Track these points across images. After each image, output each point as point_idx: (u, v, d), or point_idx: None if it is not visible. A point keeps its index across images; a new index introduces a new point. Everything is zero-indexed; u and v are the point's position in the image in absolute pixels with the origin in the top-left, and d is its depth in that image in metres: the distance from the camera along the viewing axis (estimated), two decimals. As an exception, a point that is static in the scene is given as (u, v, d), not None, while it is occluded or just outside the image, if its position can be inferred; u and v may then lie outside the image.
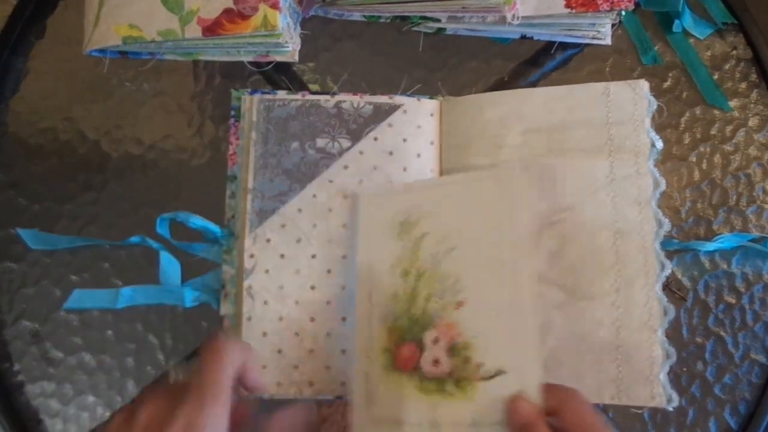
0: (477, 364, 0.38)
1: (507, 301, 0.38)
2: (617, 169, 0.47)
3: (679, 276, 0.49)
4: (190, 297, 0.48)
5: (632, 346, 0.44)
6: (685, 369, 0.48)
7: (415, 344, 0.40)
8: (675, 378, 0.48)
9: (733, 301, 0.49)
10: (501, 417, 0.36)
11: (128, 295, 0.48)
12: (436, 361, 0.39)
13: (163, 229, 0.48)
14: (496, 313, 0.38)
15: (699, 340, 0.49)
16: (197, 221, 0.47)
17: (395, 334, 0.41)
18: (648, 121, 0.47)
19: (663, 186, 0.46)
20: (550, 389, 0.36)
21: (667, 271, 0.45)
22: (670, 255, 0.49)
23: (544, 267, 0.46)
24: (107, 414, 0.47)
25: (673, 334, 0.48)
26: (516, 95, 0.49)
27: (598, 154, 0.47)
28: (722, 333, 0.49)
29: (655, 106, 0.48)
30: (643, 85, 0.48)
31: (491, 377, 0.37)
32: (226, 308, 0.47)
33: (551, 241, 0.46)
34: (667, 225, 0.46)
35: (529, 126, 0.48)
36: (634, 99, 0.47)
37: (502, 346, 0.38)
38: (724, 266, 0.49)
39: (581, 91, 0.48)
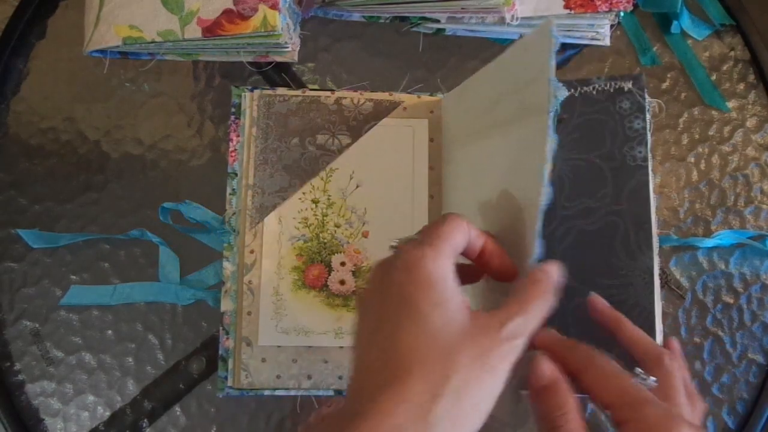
0: None
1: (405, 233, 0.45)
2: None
3: (678, 276, 0.49)
4: (186, 295, 0.48)
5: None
6: (683, 368, 0.48)
7: (323, 265, 0.47)
8: (673, 377, 0.48)
9: (731, 301, 0.49)
10: None
11: (125, 292, 0.48)
12: (342, 282, 0.47)
13: (164, 218, 0.49)
14: None
15: (697, 339, 0.49)
16: (199, 212, 0.48)
17: (305, 255, 0.47)
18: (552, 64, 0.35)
19: None
20: (570, 348, 0.32)
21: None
22: (668, 253, 0.49)
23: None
24: (107, 413, 0.47)
25: (671, 333, 0.48)
26: (473, 80, 0.44)
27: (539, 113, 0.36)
28: (720, 333, 0.49)
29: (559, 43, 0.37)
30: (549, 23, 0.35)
31: None
32: (226, 304, 0.47)
33: None
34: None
35: (498, 97, 0.39)
36: (541, 43, 0.36)
37: None
38: (722, 266, 0.50)
39: (514, 53, 0.38)
